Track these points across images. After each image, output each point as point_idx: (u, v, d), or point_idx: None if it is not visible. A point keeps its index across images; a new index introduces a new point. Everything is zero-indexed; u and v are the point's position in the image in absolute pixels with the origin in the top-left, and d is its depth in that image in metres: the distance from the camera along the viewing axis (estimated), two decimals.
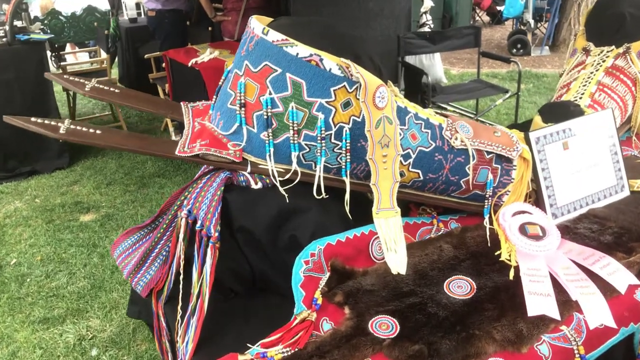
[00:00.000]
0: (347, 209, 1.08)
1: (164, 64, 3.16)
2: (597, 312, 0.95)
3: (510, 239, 1.14)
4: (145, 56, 3.62)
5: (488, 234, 1.17)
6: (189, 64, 2.69)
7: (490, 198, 1.22)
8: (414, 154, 1.12)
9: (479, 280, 1.05)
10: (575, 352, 0.91)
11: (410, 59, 3.93)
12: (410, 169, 1.13)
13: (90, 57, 5.08)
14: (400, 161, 1.11)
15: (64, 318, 1.81)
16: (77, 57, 5.44)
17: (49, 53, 3.85)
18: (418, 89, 3.60)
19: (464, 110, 4.35)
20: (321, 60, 0.99)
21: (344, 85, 1.01)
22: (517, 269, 1.06)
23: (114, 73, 4.54)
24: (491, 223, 1.21)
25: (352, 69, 0.99)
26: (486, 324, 0.94)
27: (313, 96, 1.00)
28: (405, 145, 1.11)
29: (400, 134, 1.10)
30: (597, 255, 1.08)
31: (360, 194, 1.16)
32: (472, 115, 4.03)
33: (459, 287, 1.04)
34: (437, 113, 1.23)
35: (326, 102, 1.01)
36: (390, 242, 1.10)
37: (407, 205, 1.29)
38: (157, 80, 3.53)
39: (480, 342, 0.90)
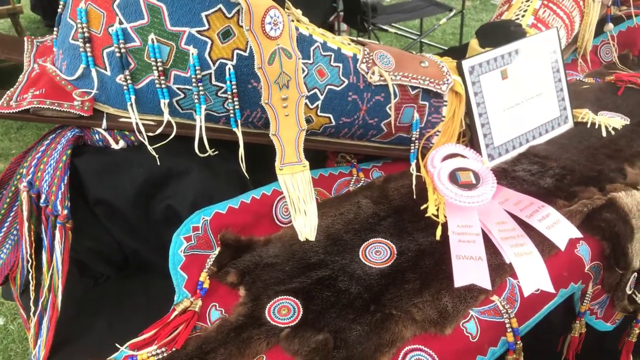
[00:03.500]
0: (243, 166, 0.87)
1: None
2: (533, 276, 0.82)
3: (439, 188, 0.97)
4: None
5: (414, 183, 1.00)
6: None
7: (417, 141, 1.04)
8: (322, 94, 0.91)
9: (400, 243, 0.89)
10: (507, 325, 0.78)
11: None
12: (318, 113, 0.93)
13: None
14: (306, 104, 0.90)
15: None
16: None
17: None
18: (357, 9, 3.31)
19: (407, 31, 4.10)
20: None
21: (220, 9, 0.77)
22: (445, 226, 0.90)
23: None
24: (418, 170, 1.03)
25: None
26: (405, 300, 0.78)
27: (179, 24, 0.76)
28: (311, 84, 0.90)
29: (303, 71, 0.89)
30: (535, 204, 0.93)
31: (262, 146, 0.95)
32: (416, 37, 3.80)
33: (377, 253, 0.87)
34: (352, 41, 1.01)
35: (198, 32, 0.77)
36: (299, 202, 0.91)
37: (325, 154, 1.10)
38: None
39: (397, 325, 0.74)
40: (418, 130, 1.02)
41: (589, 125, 1.17)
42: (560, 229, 0.88)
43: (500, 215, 0.92)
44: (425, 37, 3.75)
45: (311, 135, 0.97)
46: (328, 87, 0.91)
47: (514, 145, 1.11)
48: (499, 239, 0.87)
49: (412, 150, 1.05)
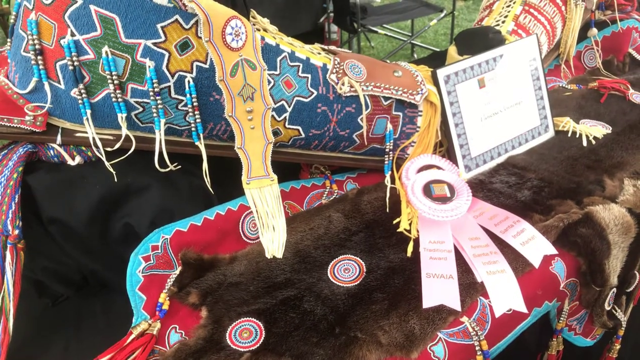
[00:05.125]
0: (207, 181, 0.84)
1: None
2: (504, 296, 0.79)
3: (412, 201, 0.94)
4: None
5: (388, 196, 0.97)
6: None
7: (390, 152, 1.01)
8: (290, 106, 0.88)
9: (370, 260, 0.86)
10: (477, 348, 0.75)
11: None
12: (286, 125, 0.90)
13: None
14: (273, 117, 0.87)
15: None
16: None
17: None
18: (346, 10, 3.29)
19: (398, 32, 4.08)
20: None
21: (177, 20, 0.74)
22: (417, 242, 0.88)
23: None
24: (393, 182, 1.00)
25: None
26: (372, 322, 0.75)
27: (133, 36, 0.73)
28: (278, 95, 0.87)
29: (269, 82, 0.86)
30: (510, 219, 0.90)
31: (231, 158, 0.92)
32: (407, 38, 3.78)
33: (346, 271, 0.84)
34: (323, 50, 0.98)
35: (154, 44, 0.74)
36: (267, 217, 0.88)
37: (299, 164, 1.07)
38: None
39: (362, 349, 0.72)
40: (392, 141, 0.99)
41: (569, 135, 1.15)
42: (535, 245, 0.85)
43: (474, 230, 0.90)
44: (416, 38, 3.73)
45: (280, 147, 0.94)
46: (296, 98, 0.88)
47: (492, 155, 1.08)
48: (471, 256, 0.84)
49: (386, 162, 1.02)
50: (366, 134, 0.96)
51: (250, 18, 0.89)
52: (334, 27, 3.63)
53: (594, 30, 1.40)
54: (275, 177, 0.88)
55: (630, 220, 0.90)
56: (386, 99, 0.96)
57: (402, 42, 3.72)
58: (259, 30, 0.88)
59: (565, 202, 0.95)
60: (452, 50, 1.17)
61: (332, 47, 0.99)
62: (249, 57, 0.81)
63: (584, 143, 1.12)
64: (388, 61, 1.06)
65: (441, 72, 1.00)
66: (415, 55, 3.96)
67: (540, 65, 1.14)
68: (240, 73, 0.80)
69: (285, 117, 0.89)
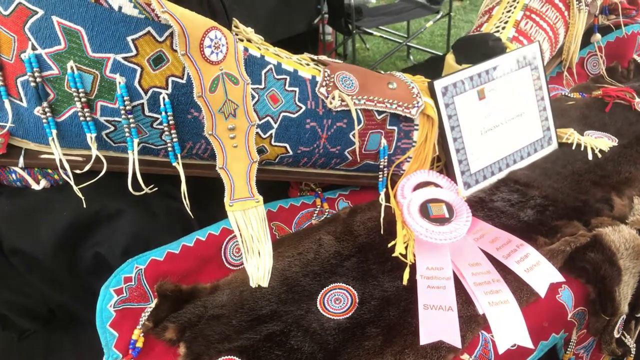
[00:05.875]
0: (187, 204, 0.78)
1: None
2: (508, 330, 0.73)
3: (408, 222, 0.88)
4: None
5: (382, 216, 0.91)
6: None
7: (385, 169, 0.95)
8: (276, 122, 0.82)
9: (363, 289, 0.79)
10: None
11: None
12: (272, 142, 0.83)
13: None
14: (258, 134, 0.81)
15: None
16: None
17: None
18: (341, 12, 3.22)
19: (394, 34, 4.02)
20: None
21: (149, 32, 0.67)
22: (413, 268, 0.81)
23: None
24: (387, 200, 0.94)
25: (156, 6, 0.65)
26: None
27: (101, 50, 0.66)
28: (263, 111, 0.80)
29: (254, 97, 0.79)
30: (514, 243, 0.84)
31: (212, 179, 0.85)
32: (403, 40, 3.72)
33: (337, 301, 0.78)
34: (312, 60, 0.91)
35: (124, 58, 0.67)
36: (252, 241, 0.82)
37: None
38: None
39: None
40: (386, 157, 0.93)
41: (574, 147, 1.08)
42: (540, 272, 0.79)
43: (474, 255, 0.84)
44: (412, 39, 3.67)
45: (267, 165, 0.88)
46: (283, 114, 0.82)
47: (492, 171, 1.02)
48: (472, 285, 0.78)
49: (380, 179, 0.96)
50: (359, 151, 0.90)
51: (233, 28, 0.82)
52: (329, 29, 3.57)
53: (598, 36, 1.34)
54: (260, 198, 0.82)
55: None
56: (380, 113, 0.89)
57: (397, 44, 3.66)
58: (242, 40, 0.81)
59: (572, 223, 0.89)
60: (450, 58, 1.11)
61: (322, 57, 0.93)
62: (230, 70, 0.74)
63: (590, 156, 1.06)
64: (382, 71, 0.99)
65: (438, 84, 0.94)
66: (412, 57, 3.90)
67: (542, 74, 1.08)
68: (221, 88, 0.74)
69: (271, 134, 0.82)
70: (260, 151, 0.83)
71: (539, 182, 1.00)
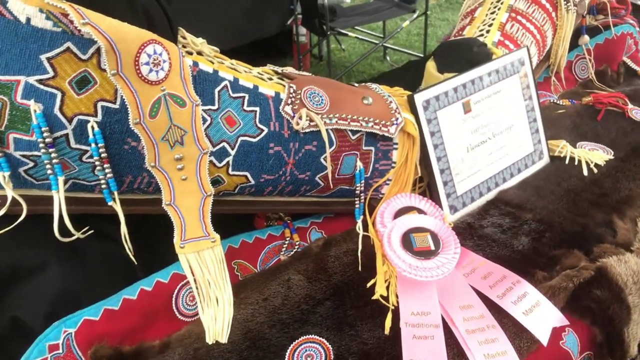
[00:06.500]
0: (129, 248, 0.66)
1: None
2: None
3: (389, 257, 0.77)
4: None
5: (360, 249, 0.80)
6: None
7: (362, 194, 0.84)
8: (233, 148, 0.70)
9: (339, 342, 0.68)
10: None
11: None
12: (230, 172, 0.71)
13: None
14: (211, 162, 0.69)
15: None
16: None
17: None
18: (315, 12, 3.11)
19: (370, 34, 3.92)
20: (3, 2, 0.51)
21: (69, 49, 0.55)
22: (396, 313, 0.71)
23: None
24: (366, 229, 0.83)
25: (74, 16, 0.53)
26: None
27: (9, 72, 0.54)
28: (217, 136, 0.69)
29: (205, 120, 0.67)
30: (509, 279, 0.74)
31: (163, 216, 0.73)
32: (379, 40, 3.62)
33: (308, 358, 0.67)
34: (276, 73, 0.80)
35: (39, 81, 0.55)
36: (208, 288, 0.70)
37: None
38: None
39: None
40: (362, 181, 0.82)
41: (567, 161, 0.99)
42: (541, 314, 0.69)
43: (465, 295, 0.73)
44: (388, 40, 3.58)
45: (224, 196, 0.76)
46: (241, 138, 0.70)
47: (481, 192, 0.92)
48: (464, 333, 0.68)
49: (357, 205, 0.85)
50: (331, 176, 0.79)
51: (179, 39, 0.70)
52: (303, 30, 3.45)
53: (586, 38, 1.26)
54: (217, 237, 0.70)
55: None
56: (354, 132, 0.78)
57: (374, 45, 3.56)
58: (190, 54, 0.69)
59: (572, 252, 0.79)
60: (431, 66, 1.00)
61: (288, 69, 0.82)
62: (174, 90, 0.63)
63: (585, 172, 0.96)
64: (356, 84, 0.88)
65: (419, 97, 0.84)
66: (388, 58, 3.80)
67: (532, 82, 0.99)
68: (163, 112, 0.62)
69: (228, 162, 0.70)
70: (216, 182, 0.71)
71: (532, 203, 0.90)
